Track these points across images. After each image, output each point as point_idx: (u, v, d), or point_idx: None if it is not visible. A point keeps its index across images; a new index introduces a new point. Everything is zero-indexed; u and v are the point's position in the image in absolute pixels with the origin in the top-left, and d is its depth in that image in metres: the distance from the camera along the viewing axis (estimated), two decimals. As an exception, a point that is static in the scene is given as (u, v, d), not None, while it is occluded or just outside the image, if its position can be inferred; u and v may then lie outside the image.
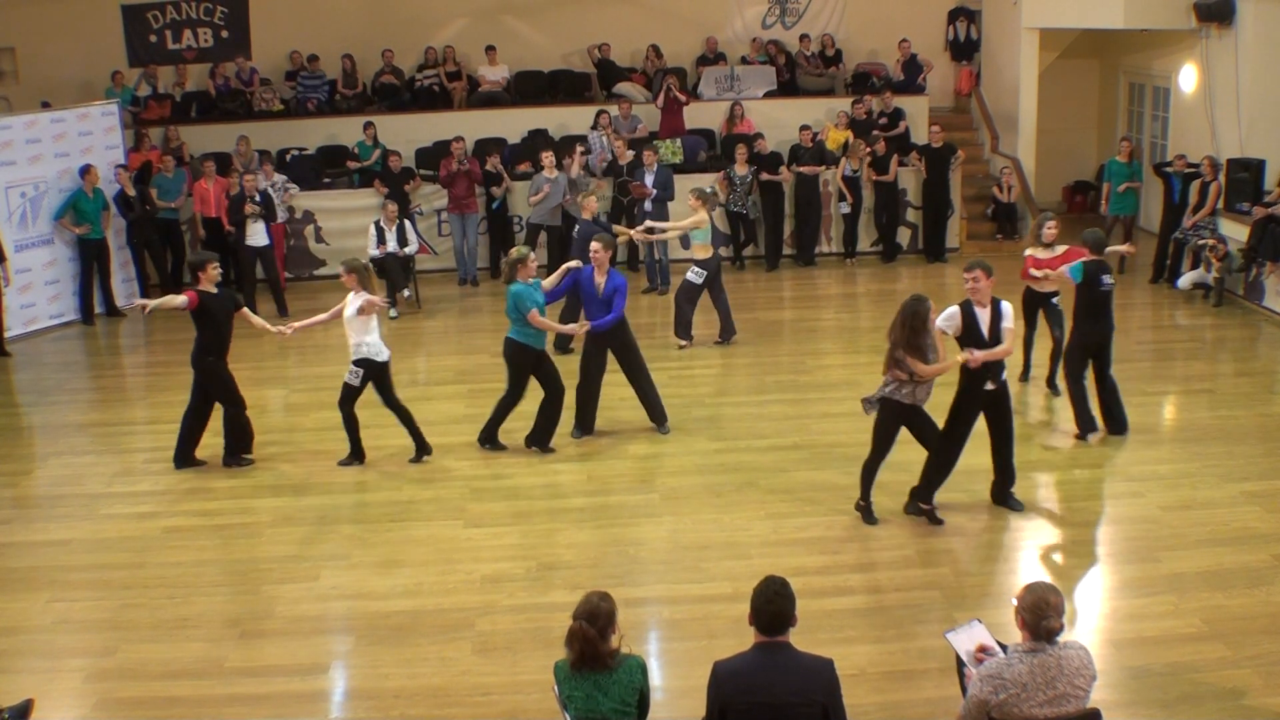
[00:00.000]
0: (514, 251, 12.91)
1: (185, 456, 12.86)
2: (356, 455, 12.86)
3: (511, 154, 21.66)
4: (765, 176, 20.78)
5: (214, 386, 12.70)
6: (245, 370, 15.32)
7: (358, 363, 12.47)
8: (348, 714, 8.51)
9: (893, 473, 11.87)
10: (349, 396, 12.64)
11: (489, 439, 13.10)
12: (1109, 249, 13.31)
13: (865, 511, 11.09)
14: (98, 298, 19.24)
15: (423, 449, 12.89)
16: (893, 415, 10.82)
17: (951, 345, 10.82)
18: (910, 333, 10.39)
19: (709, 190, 16.77)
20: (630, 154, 20.65)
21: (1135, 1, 20.35)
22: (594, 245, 13.12)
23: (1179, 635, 9.05)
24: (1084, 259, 12.65)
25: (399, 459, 12.90)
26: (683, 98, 21.97)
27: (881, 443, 11.02)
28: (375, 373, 12.55)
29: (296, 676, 8.87)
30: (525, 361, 12.81)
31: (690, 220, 16.19)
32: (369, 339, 12.43)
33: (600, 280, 12.96)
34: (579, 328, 13.35)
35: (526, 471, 12.52)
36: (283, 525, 11.43)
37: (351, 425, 12.77)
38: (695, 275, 16.16)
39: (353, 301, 12.36)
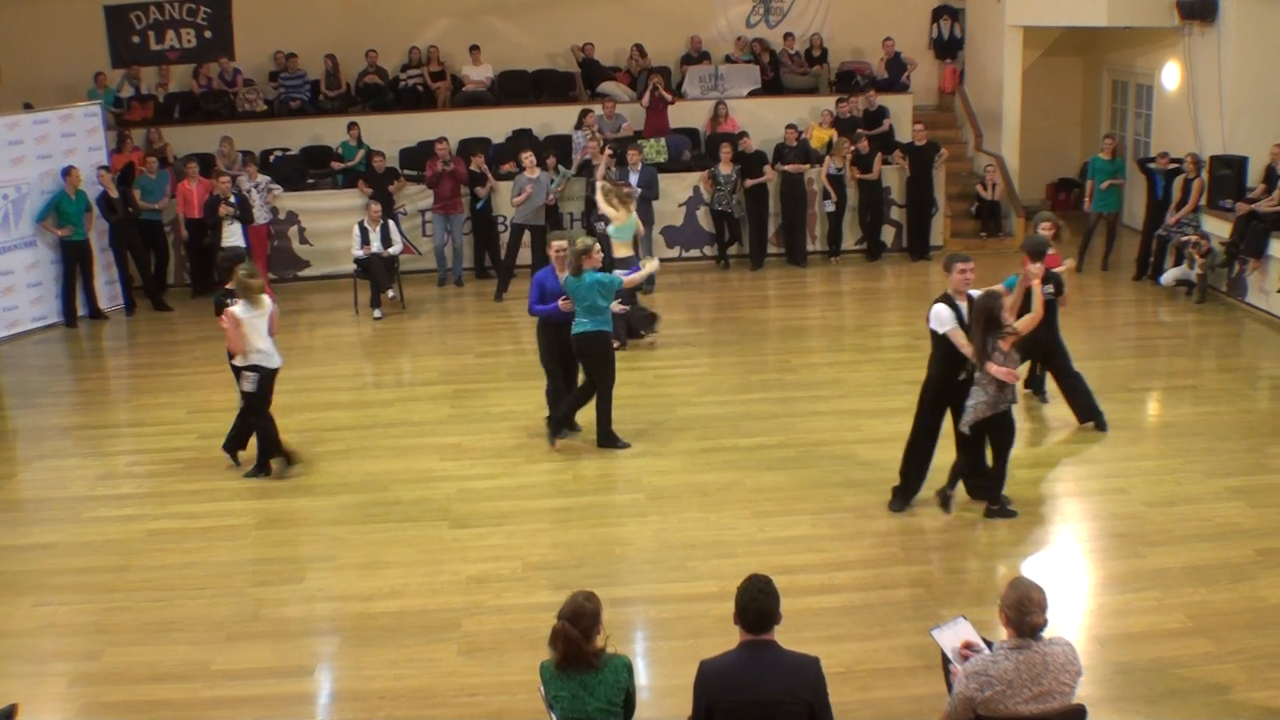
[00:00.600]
0: (580, 241, 12.77)
1: (234, 451, 12.85)
2: (263, 468, 12.66)
3: (496, 154, 21.63)
4: (749, 182, 20.75)
5: None
6: (226, 373, 15.33)
7: (250, 368, 12.25)
8: (334, 716, 8.49)
9: (872, 470, 11.94)
10: (255, 406, 12.48)
11: (608, 439, 13.02)
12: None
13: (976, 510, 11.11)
14: (81, 300, 19.18)
15: (263, 468, 12.62)
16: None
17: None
18: (984, 331, 10.35)
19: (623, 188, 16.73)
20: (609, 154, 20.67)
21: (1118, -1, 20.44)
22: (557, 244, 13.01)
23: (1164, 631, 9.07)
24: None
25: (384, 459, 12.89)
26: (668, 97, 21.99)
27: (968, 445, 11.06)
28: (268, 380, 12.42)
29: (282, 679, 8.86)
30: (607, 346, 12.81)
31: (613, 212, 16.09)
32: (263, 345, 12.30)
33: (563, 277, 12.83)
34: (654, 264, 13.58)
35: (512, 472, 12.51)
36: (267, 527, 11.41)
37: (265, 435, 12.62)
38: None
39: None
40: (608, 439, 12.98)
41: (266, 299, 12.28)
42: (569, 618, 6.47)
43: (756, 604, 6.33)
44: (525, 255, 19.59)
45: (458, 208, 20.42)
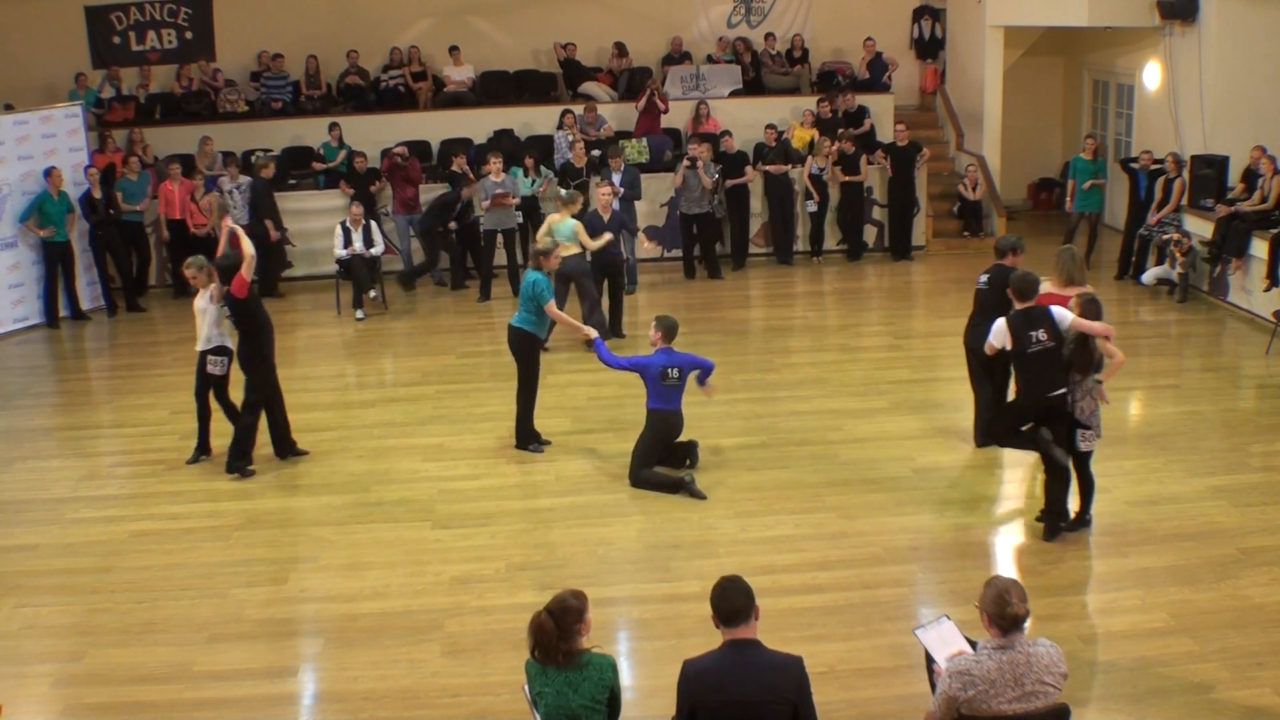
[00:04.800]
0: (541, 241, 12.91)
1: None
2: (203, 448, 13.05)
3: (477, 154, 21.58)
4: (730, 182, 20.74)
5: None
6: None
7: (217, 350, 12.58)
8: (317, 717, 8.48)
9: (854, 469, 11.97)
10: (212, 385, 12.77)
11: (527, 439, 13.03)
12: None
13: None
14: (62, 300, 19.12)
15: (202, 450, 13.07)
16: None
17: None
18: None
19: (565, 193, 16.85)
20: (596, 153, 20.66)
21: (1099, -1, 20.51)
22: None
23: (1146, 630, 9.09)
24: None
25: (366, 460, 12.88)
26: (663, 106, 21.99)
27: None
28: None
29: (265, 680, 8.84)
30: (533, 347, 12.83)
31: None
32: (220, 328, 12.57)
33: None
34: (590, 331, 13.11)
35: (494, 472, 12.50)
36: (250, 528, 11.38)
37: (205, 416, 12.96)
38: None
39: (203, 294, 12.50)
40: (527, 439, 13.08)
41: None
42: (550, 610, 6.50)
43: (727, 600, 6.36)
44: (500, 257, 19.52)
45: (417, 208, 20.42)
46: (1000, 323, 10.55)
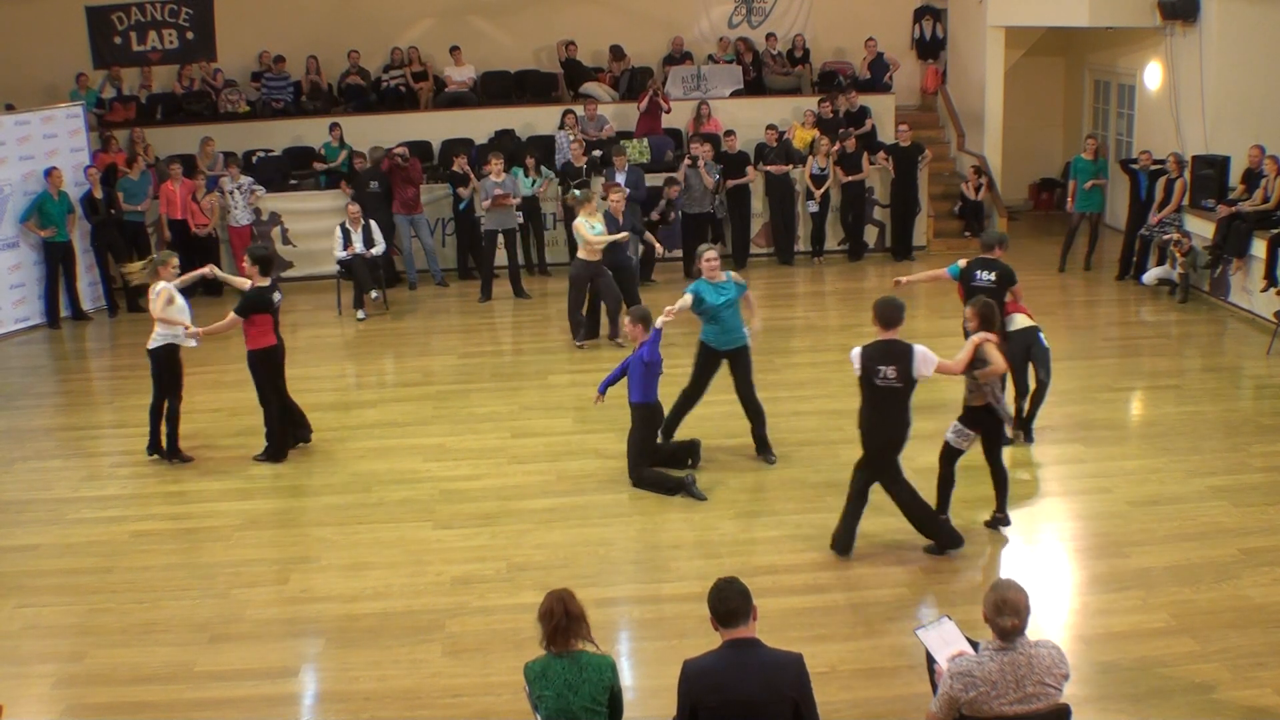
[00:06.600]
0: (701, 248, 12.70)
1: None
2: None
3: (479, 154, 21.60)
4: (731, 183, 20.76)
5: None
6: (211, 374, 15.39)
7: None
8: (318, 717, 8.48)
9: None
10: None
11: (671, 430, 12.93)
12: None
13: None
14: (63, 301, 19.12)
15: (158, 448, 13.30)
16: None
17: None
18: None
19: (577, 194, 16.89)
20: (596, 153, 20.66)
21: (1100, -1, 20.51)
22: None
23: (1148, 630, 9.09)
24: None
25: (367, 460, 12.88)
26: (665, 105, 21.98)
27: None
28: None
29: (266, 680, 8.84)
30: (711, 361, 12.68)
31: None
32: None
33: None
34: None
35: (495, 472, 12.50)
36: (251, 528, 11.39)
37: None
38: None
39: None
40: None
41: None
42: (560, 595, 6.56)
43: (722, 597, 6.39)
44: (501, 257, 19.50)
45: (418, 208, 20.45)
46: (855, 351, 10.21)
